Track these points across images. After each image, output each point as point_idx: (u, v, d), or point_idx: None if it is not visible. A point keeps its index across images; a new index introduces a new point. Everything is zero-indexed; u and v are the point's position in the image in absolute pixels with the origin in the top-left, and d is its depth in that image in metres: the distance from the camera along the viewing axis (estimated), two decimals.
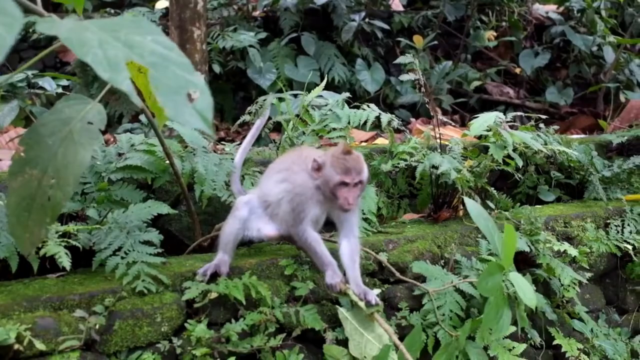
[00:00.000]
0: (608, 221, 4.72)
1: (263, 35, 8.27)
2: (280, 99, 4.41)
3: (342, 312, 3.21)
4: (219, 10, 9.14)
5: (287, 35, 8.43)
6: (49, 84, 6.10)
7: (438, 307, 3.48)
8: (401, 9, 9.72)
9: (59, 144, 2.39)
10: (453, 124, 6.26)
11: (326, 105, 4.38)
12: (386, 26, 8.69)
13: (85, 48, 1.87)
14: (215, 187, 3.69)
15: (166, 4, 8.35)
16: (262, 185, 3.41)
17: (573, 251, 4.07)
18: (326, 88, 4.63)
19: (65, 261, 2.84)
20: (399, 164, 4.23)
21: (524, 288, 3.03)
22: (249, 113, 4.30)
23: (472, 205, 3.15)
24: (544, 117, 4.93)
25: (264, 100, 4.19)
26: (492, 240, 3.08)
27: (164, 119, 3.20)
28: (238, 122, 4.39)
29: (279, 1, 8.88)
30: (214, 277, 3.10)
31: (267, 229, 3.30)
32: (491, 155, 4.16)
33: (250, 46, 7.89)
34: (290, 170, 3.27)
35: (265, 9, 9.23)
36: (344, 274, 3.17)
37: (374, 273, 3.60)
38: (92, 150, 2.49)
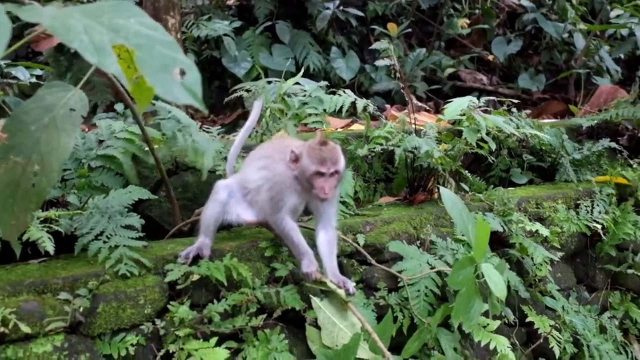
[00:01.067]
0: (578, 202, 4.85)
1: (238, 24, 8.29)
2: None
3: (316, 302, 3.26)
4: None
5: (261, 24, 8.46)
6: (22, 73, 6.06)
7: (414, 284, 3.57)
8: None
9: (42, 130, 2.42)
10: (427, 108, 6.35)
11: (304, 93, 4.45)
12: (361, 14, 8.76)
13: (71, 34, 1.91)
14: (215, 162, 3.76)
15: None
16: (243, 171, 3.47)
17: (545, 231, 4.20)
18: (302, 76, 4.71)
19: (48, 245, 2.88)
20: (375, 148, 4.32)
21: (494, 279, 3.09)
22: (227, 105, 4.39)
23: (447, 195, 3.21)
24: (516, 101, 5.04)
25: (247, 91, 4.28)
26: (466, 231, 3.15)
27: (145, 105, 3.24)
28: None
29: None
30: (196, 259, 3.16)
31: (246, 214, 3.36)
32: (465, 138, 4.25)
33: (225, 35, 7.91)
34: (270, 158, 3.33)
35: None
36: (321, 264, 3.24)
37: (352, 254, 3.68)
38: (75, 137, 2.53)
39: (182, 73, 1.88)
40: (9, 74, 6.01)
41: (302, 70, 4.80)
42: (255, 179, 3.32)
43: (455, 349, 3.52)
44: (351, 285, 3.22)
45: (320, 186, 3.11)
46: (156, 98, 3.21)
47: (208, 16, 8.39)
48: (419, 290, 3.55)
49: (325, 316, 3.23)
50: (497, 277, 3.12)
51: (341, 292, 3.17)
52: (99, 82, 7.11)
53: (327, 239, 3.29)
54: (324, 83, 4.59)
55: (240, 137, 3.71)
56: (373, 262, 3.63)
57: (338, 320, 3.22)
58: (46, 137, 2.42)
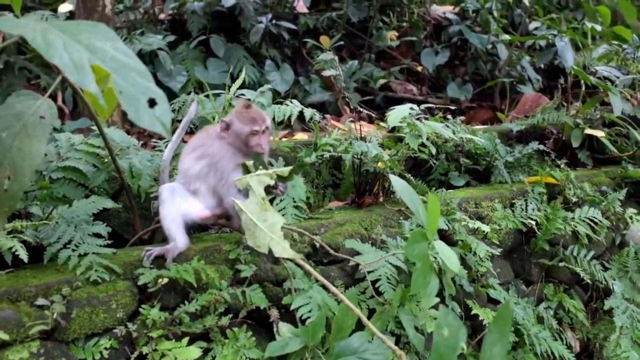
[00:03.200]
0: (513, 201, 5.14)
1: (171, 38, 8.32)
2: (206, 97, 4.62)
3: (238, 204, 3.29)
4: (125, 14, 9.12)
5: (195, 38, 8.51)
6: None
7: (374, 271, 3.76)
8: (306, 10, 9.99)
9: (13, 137, 2.49)
10: (360, 114, 6.57)
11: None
12: (293, 27, 8.93)
13: (52, 50, 2.01)
14: (150, 182, 3.86)
15: (70, 7, 8.23)
16: (180, 168, 3.60)
17: (486, 227, 4.47)
18: (238, 88, 4.89)
19: (22, 253, 2.93)
20: (323, 155, 4.50)
21: (448, 255, 3.27)
22: (173, 110, 4.50)
23: (397, 181, 3.37)
24: (452, 107, 5.33)
25: (186, 98, 4.41)
26: (417, 212, 3.30)
27: (106, 115, 3.34)
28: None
29: (186, 4, 8.97)
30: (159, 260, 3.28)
31: (197, 210, 3.51)
32: (407, 143, 4.48)
33: (160, 49, 7.93)
34: (203, 145, 3.52)
35: (171, 12, 9.28)
36: None
37: (309, 255, 3.83)
38: (46, 143, 2.61)
39: (153, 103, 2.02)
40: None
41: (243, 77, 4.97)
42: (197, 169, 3.48)
43: (416, 328, 3.68)
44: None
45: (256, 143, 3.42)
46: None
47: (141, 31, 8.39)
48: (380, 275, 3.76)
49: (246, 217, 3.26)
50: (449, 252, 3.30)
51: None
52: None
53: None
54: (266, 87, 4.76)
55: (173, 141, 3.81)
56: (331, 251, 3.80)
57: (259, 222, 3.24)
58: (18, 144, 2.49)
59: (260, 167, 3.39)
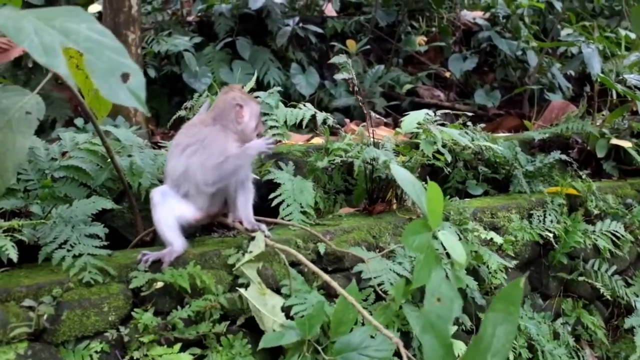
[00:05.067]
0: (531, 212, 4.99)
1: (198, 39, 8.33)
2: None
3: (242, 293, 3.31)
4: (153, 15, 9.16)
5: (221, 40, 8.51)
6: None
7: (378, 277, 3.67)
8: (334, 14, 9.93)
9: None
10: (385, 120, 6.47)
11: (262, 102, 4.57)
12: (320, 30, 8.88)
13: (22, 35, 1.98)
14: (152, 180, 3.81)
15: (99, 8, 8.30)
16: (166, 169, 3.58)
17: (499, 239, 4.34)
18: (262, 92, 4.83)
19: (12, 253, 2.90)
20: (334, 160, 4.41)
21: (453, 244, 3.07)
22: (185, 108, 4.48)
23: (398, 170, 3.17)
24: (470, 114, 5.20)
25: (199, 96, 4.37)
26: (420, 202, 3.08)
27: (103, 113, 3.30)
28: (174, 117, 4.53)
29: (213, 6, 8.97)
30: (157, 265, 3.22)
31: (190, 212, 3.48)
32: (422, 150, 4.38)
33: (186, 50, 7.94)
34: (189, 135, 3.49)
35: (199, 13, 9.30)
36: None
37: (313, 262, 3.73)
38: (31, 139, 2.58)
39: (127, 77, 1.96)
40: None
41: (256, 77, 4.90)
42: (182, 166, 3.44)
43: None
44: (265, 227, 3.53)
45: (240, 115, 3.52)
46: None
47: (168, 32, 8.42)
48: (383, 281, 3.67)
49: (252, 304, 3.30)
50: (454, 242, 3.11)
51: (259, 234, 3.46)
52: (58, 98, 7.08)
53: (244, 193, 3.60)
54: (276, 89, 4.70)
55: None
56: (327, 242, 3.72)
57: (261, 307, 3.29)
58: (2, 139, 2.47)
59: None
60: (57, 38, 2.00)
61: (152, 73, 7.88)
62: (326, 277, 3.33)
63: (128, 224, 3.97)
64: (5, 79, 7.48)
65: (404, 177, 3.12)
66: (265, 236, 3.48)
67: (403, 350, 2.84)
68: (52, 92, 7.11)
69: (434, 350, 2.30)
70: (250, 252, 3.38)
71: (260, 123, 3.67)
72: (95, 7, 8.80)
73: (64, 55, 1.97)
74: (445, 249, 3.16)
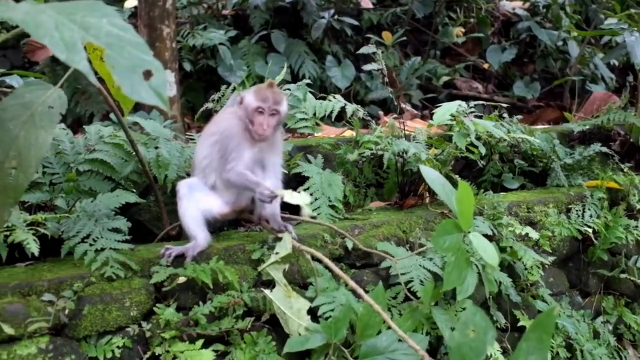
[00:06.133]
0: (570, 206, 4.82)
1: (233, 33, 8.30)
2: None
3: (267, 294, 3.25)
4: (188, 9, 9.16)
5: (257, 33, 8.47)
6: (17, 82, 6.07)
7: (405, 274, 3.56)
8: (370, 6, 9.80)
9: (20, 127, 2.44)
10: (420, 113, 6.35)
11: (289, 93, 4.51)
12: (356, 23, 8.78)
13: (42, 30, 1.93)
14: (178, 172, 3.78)
15: (135, 2, 8.32)
16: (195, 157, 3.54)
17: (535, 234, 4.19)
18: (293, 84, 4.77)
19: (33, 247, 2.88)
20: (364, 153, 4.32)
21: (484, 246, 2.98)
22: (212, 100, 4.44)
23: (427, 170, 3.15)
24: (507, 105, 5.05)
25: (227, 88, 4.33)
26: (450, 202, 3.05)
27: (129, 106, 3.27)
28: (201, 109, 4.50)
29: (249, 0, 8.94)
30: (180, 259, 3.17)
31: (216, 206, 3.41)
32: (454, 143, 4.25)
33: (221, 44, 7.92)
34: (215, 124, 3.48)
35: (234, 7, 9.28)
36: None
37: (340, 257, 3.68)
38: (53, 133, 2.55)
39: (149, 74, 1.91)
40: (3, 82, 6.02)
41: (292, 75, 4.84)
42: (208, 158, 3.39)
43: (452, 329, 3.44)
44: (292, 229, 3.39)
45: (259, 122, 3.25)
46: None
47: (204, 26, 8.40)
48: (412, 278, 3.55)
49: (277, 306, 3.24)
50: (486, 244, 3.01)
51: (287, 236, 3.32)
52: (95, 92, 7.12)
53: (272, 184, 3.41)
54: (304, 81, 4.63)
55: None
56: (351, 238, 3.63)
57: (286, 310, 3.23)
58: (24, 134, 2.44)
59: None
60: (78, 33, 1.95)
61: (187, 67, 7.88)
62: (352, 283, 3.24)
63: (154, 217, 3.95)
64: (44, 74, 7.58)
65: (433, 177, 3.10)
66: (292, 238, 3.38)
67: None
68: (89, 86, 7.15)
69: None
70: (277, 253, 3.29)
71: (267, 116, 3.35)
72: (131, 2, 8.84)
73: (86, 49, 1.93)
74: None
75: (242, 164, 3.29)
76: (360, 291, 3.17)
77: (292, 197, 3.17)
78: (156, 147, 3.83)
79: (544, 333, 2.24)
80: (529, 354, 2.21)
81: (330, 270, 3.46)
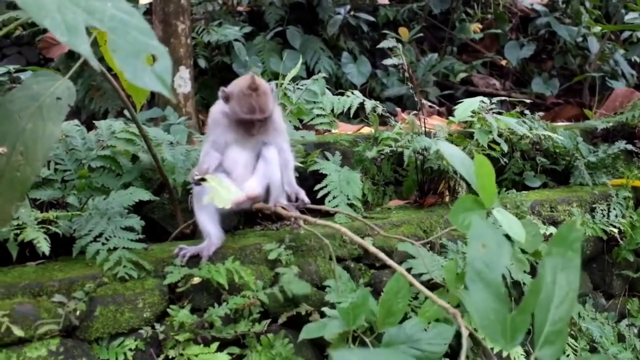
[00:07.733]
0: (594, 205, 4.70)
1: (248, 29, 8.22)
2: None
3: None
4: (203, 5, 9.08)
5: (272, 29, 8.39)
6: None
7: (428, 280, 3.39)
8: (386, 2, 9.68)
9: (27, 119, 2.38)
10: (438, 109, 6.23)
11: (304, 87, 4.42)
12: (372, 19, 8.68)
13: (44, 12, 1.85)
14: (185, 176, 3.68)
15: None
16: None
17: None
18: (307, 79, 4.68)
19: (44, 246, 2.79)
20: (383, 150, 4.21)
21: (510, 222, 2.73)
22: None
23: (446, 146, 2.89)
24: (527, 101, 4.93)
25: None
26: (470, 179, 2.75)
27: (142, 99, 3.18)
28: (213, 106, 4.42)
29: None
30: (195, 260, 3.08)
31: (247, 186, 3.28)
32: (476, 140, 4.14)
33: (236, 40, 7.84)
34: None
35: (249, 3, 9.20)
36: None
37: (360, 258, 3.58)
38: (61, 125, 2.47)
39: (154, 60, 1.83)
40: (18, 78, 5.97)
41: (307, 71, 4.74)
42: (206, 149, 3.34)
43: None
44: (303, 195, 3.29)
45: (248, 129, 3.20)
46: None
47: (219, 22, 8.33)
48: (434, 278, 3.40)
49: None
50: (512, 219, 2.75)
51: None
52: (109, 89, 7.06)
53: (281, 158, 3.35)
54: (320, 75, 4.53)
55: None
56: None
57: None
58: (31, 126, 2.38)
59: None
60: (81, 16, 1.86)
61: (202, 63, 7.80)
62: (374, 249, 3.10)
63: (168, 215, 3.85)
64: (59, 71, 7.53)
65: (453, 153, 2.81)
66: (305, 203, 3.30)
67: (460, 321, 2.48)
68: (103, 83, 7.10)
69: (485, 302, 1.89)
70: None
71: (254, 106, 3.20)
72: None
73: (89, 35, 1.84)
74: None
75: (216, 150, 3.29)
76: (392, 263, 2.93)
77: (220, 184, 3.05)
78: (160, 153, 3.74)
79: (569, 249, 1.88)
80: (557, 270, 1.84)
81: (348, 270, 3.35)
